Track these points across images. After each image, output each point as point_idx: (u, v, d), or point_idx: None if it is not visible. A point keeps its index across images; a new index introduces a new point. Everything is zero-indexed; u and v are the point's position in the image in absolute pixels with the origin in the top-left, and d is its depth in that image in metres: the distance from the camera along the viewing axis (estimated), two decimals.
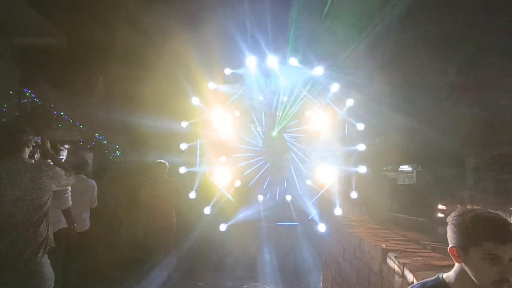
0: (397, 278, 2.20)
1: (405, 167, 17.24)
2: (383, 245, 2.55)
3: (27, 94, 5.66)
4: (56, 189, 2.32)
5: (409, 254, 2.34)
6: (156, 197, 4.41)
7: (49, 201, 2.26)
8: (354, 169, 5.77)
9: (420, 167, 16.56)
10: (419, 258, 2.24)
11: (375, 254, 2.56)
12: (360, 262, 2.83)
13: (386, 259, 2.38)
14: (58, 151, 3.53)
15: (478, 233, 1.15)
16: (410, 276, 2.03)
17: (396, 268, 2.21)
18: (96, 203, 4.27)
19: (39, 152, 2.57)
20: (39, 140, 2.46)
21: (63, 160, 3.66)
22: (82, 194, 4.14)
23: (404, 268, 2.10)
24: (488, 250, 1.13)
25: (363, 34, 5.57)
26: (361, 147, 5.80)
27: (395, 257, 2.27)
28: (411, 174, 16.62)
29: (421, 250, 2.47)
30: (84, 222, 4.15)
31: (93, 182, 4.33)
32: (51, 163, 2.35)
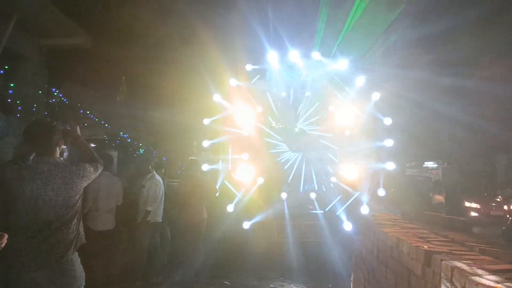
0: (445, 283, 2.04)
1: (430, 164, 16.53)
2: (425, 247, 2.38)
3: (55, 93, 5.82)
4: (85, 185, 2.31)
5: (457, 256, 2.17)
6: (189, 194, 4.41)
7: (80, 199, 2.26)
8: (381, 165, 5.57)
9: (446, 164, 15.83)
10: (469, 262, 2.07)
11: (416, 256, 2.40)
12: (398, 264, 2.68)
13: (430, 261, 2.22)
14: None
15: None
16: (461, 281, 1.87)
17: (444, 272, 2.05)
18: (122, 200, 4.32)
19: (66, 144, 2.42)
20: (68, 128, 2.35)
21: None
22: (109, 192, 4.20)
23: (454, 273, 1.94)
24: None
25: (392, 29, 5.36)
26: (389, 142, 5.58)
27: (441, 260, 2.11)
28: (436, 170, 15.93)
29: (469, 253, 2.29)
30: (110, 220, 4.20)
31: (118, 179, 4.38)
32: (81, 162, 2.31)
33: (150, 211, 4.39)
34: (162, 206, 4.64)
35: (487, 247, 2.37)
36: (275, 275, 4.98)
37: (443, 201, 7.10)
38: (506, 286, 1.68)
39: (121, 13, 5.28)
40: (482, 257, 2.22)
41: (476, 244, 2.43)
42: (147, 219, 4.41)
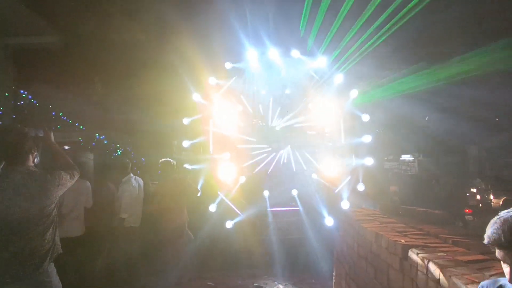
0: (421, 275, 2.12)
1: (406, 157, 17.19)
2: (403, 241, 2.47)
3: (24, 95, 5.52)
4: (61, 193, 2.22)
5: (431, 249, 2.26)
6: (167, 197, 4.31)
7: (55, 208, 2.18)
8: (360, 161, 5.70)
9: (421, 156, 16.52)
10: (442, 254, 2.16)
11: (394, 250, 2.48)
12: (377, 258, 2.76)
13: (407, 255, 2.30)
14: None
15: None
16: (435, 273, 1.95)
17: (420, 264, 2.13)
18: (91, 203, 4.19)
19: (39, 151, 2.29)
20: (40, 134, 2.25)
21: None
22: (78, 196, 4.05)
23: (429, 265, 2.02)
24: None
25: (368, 24, 5.45)
26: (367, 138, 5.72)
27: (417, 253, 2.19)
28: (412, 163, 16.57)
29: (443, 245, 2.39)
30: (78, 227, 4.04)
31: (88, 182, 4.25)
32: (56, 170, 2.20)
33: (124, 218, 4.30)
34: (139, 210, 4.54)
35: (460, 238, 2.47)
36: (259, 273, 5.01)
37: (397, 190, 7.64)
38: None
39: (93, 10, 5.08)
40: (455, 248, 2.32)
41: (449, 236, 2.54)
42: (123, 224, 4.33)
